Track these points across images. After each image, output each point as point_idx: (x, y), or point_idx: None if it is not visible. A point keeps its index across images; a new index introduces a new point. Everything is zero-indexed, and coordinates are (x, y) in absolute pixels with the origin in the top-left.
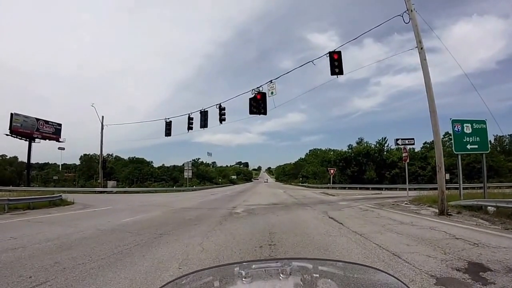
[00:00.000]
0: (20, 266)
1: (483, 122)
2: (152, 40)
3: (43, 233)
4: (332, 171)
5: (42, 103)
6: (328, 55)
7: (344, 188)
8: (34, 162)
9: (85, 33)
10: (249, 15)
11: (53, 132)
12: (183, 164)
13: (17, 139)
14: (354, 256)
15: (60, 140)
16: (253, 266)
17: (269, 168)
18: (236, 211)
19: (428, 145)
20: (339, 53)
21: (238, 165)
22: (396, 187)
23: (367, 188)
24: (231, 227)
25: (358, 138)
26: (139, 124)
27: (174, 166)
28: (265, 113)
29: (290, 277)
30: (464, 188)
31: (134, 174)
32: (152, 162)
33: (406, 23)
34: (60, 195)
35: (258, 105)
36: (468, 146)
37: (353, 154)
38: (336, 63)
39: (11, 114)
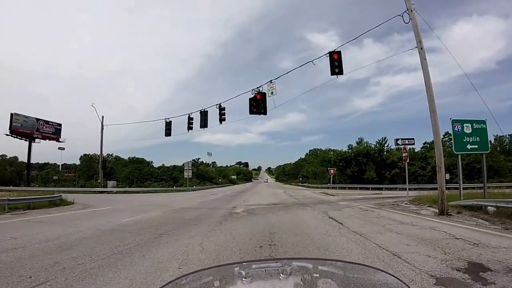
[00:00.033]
0: (20, 266)
1: (483, 122)
2: (152, 40)
3: (43, 233)
4: (332, 171)
5: (42, 103)
6: (328, 55)
7: (344, 188)
8: (34, 162)
9: (85, 33)
10: (249, 15)
11: (53, 132)
12: (183, 164)
13: (17, 139)
14: (354, 256)
15: (60, 140)
16: (253, 266)
17: (269, 168)
18: (236, 211)
19: (428, 145)
20: (339, 53)
21: (238, 165)
22: (396, 187)
23: (367, 188)
24: (231, 227)
25: (358, 138)
26: (139, 124)
27: (174, 166)
28: (265, 113)
29: (290, 277)
30: (464, 188)
31: (134, 174)
32: (152, 162)
33: (406, 23)
34: (60, 195)
35: (258, 105)
36: (468, 146)
37: (353, 154)
38: (336, 63)
39: (11, 114)
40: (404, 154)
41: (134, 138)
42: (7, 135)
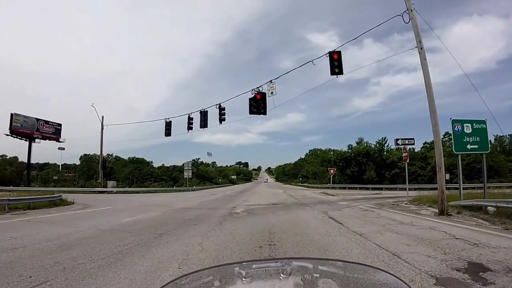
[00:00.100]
0: (20, 266)
1: (483, 122)
2: (152, 40)
3: (43, 233)
4: (332, 171)
5: (42, 103)
6: (328, 55)
7: (344, 188)
8: (34, 162)
9: (85, 33)
10: (249, 15)
11: (53, 132)
12: (183, 164)
13: (17, 139)
14: (354, 256)
15: (60, 140)
16: (253, 266)
17: (269, 168)
18: (236, 211)
19: (428, 145)
20: (339, 53)
21: (238, 165)
22: (396, 187)
23: (367, 188)
24: (231, 227)
25: (358, 138)
26: (139, 124)
27: (174, 166)
28: (265, 113)
29: (290, 277)
30: (464, 188)
31: (134, 174)
32: (152, 162)
33: (406, 23)
34: (60, 195)
35: (258, 105)
36: (468, 146)
37: (353, 154)
38: (336, 63)
39: (11, 114)
40: (404, 154)
41: (134, 138)
42: (7, 135)
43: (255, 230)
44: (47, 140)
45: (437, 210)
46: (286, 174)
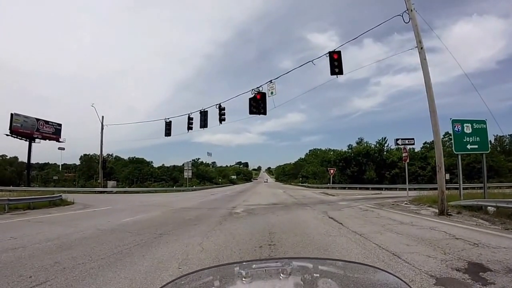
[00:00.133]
0: (20, 266)
1: (483, 122)
2: (152, 40)
3: (43, 233)
4: (332, 171)
5: (42, 103)
6: (328, 55)
7: (344, 188)
8: (34, 162)
9: (85, 33)
10: (249, 15)
11: (53, 132)
12: (183, 164)
13: (17, 139)
14: (354, 256)
15: (60, 140)
16: (253, 266)
17: (269, 168)
18: (236, 211)
19: (428, 145)
20: (339, 53)
21: (238, 165)
22: (396, 187)
23: (367, 188)
24: (231, 227)
25: (358, 138)
26: (139, 124)
27: (174, 166)
28: (265, 113)
29: (290, 277)
30: (464, 188)
31: (134, 174)
32: (152, 162)
33: (406, 23)
34: (60, 195)
35: (258, 105)
36: (468, 146)
37: (353, 154)
38: (336, 63)
39: (11, 114)
40: (404, 154)
41: (134, 138)
42: (7, 135)
43: (255, 230)
44: (47, 140)
45: (437, 210)
46: (286, 174)
